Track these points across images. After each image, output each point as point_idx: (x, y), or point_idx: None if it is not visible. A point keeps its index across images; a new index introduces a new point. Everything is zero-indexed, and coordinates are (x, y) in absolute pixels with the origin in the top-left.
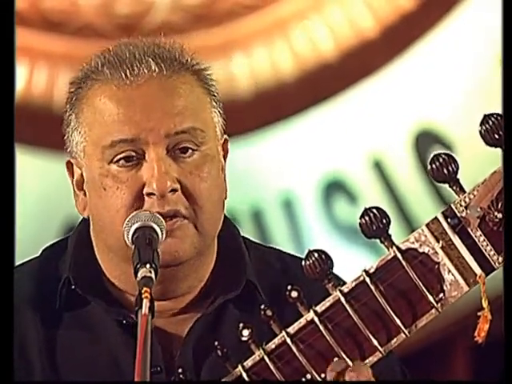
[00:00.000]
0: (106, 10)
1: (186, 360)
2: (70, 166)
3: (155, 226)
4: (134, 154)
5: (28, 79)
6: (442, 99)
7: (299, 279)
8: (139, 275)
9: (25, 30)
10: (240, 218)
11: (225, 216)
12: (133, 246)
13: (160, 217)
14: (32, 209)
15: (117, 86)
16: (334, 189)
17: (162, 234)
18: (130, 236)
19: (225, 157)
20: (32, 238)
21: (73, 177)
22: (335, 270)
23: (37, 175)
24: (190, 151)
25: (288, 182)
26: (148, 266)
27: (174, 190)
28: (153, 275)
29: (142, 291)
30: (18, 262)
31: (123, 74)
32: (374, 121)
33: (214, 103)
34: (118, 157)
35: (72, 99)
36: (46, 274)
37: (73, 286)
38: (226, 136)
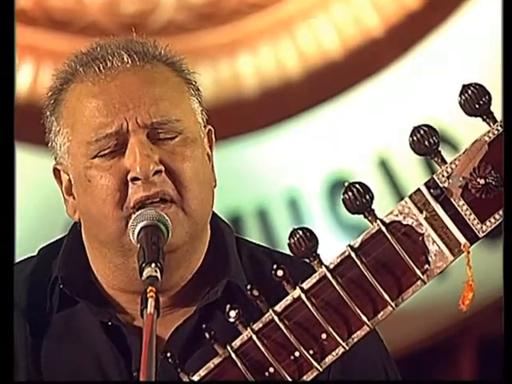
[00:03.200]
0: (111, 8)
1: (166, 366)
2: (57, 173)
3: (161, 225)
4: (115, 145)
5: (33, 78)
6: (448, 98)
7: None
8: (145, 274)
9: (30, 29)
10: (245, 216)
11: (217, 215)
12: (138, 245)
13: (165, 215)
14: (36, 208)
15: (92, 82)
16: (340, 187)
17: (168, 232)
18: (135, 235)
19: (211, 147)
20: (35, 237)
21: (61, 183)
22: (331, 260)
23: (41, 174)
24: (169, 136)
25: (293, 181)
26: (153, 265)
27: (158, 172)
28: (158, 274)
29: (148, 290)
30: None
31: (97, 69)
32: (379, 119)
33: (192, 91)
34: (102, 153)
35: (50, 105)
36: (38, 276)
37: (61, 286)
38: (209, 127)
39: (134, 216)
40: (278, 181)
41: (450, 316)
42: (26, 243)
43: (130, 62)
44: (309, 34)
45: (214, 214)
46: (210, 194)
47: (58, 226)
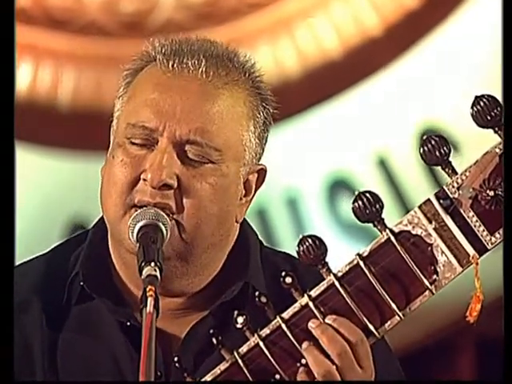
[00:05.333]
0: (110, 7)
1: (184, 363)
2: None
3: (160, 225)
4: (147, 141)
5: (32, 77)
6: (447, 97)
7: (307, 282)
8: (144, 273)
9: (29, 28)
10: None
11: (247, 222)
12: (137, 245)
13: (164, 215)
14: (35, 207)
15: (164, 72)
16: (339, 187)
17: (167, 232)
18: (134, 234)
19: (257, 187)
20: (35, 236)
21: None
22: (339, 268)
23: (41, 173)
24: (200, 159)
25: (293, 180)
26: (153, 264)
27: (167, 186)
28: (158, 273)
29: (147, 289)
30: (18, 262)
31: (172, 62)
32: (378, 119)
33: (253, 128)
34: (134, 141)
35: (132, 69)
36: (56, 269)
37: (81, 283)
38: (262, 166)
39: (133, 215)
40: (277, 180)
41: (450, 315)
42: (26, 243)
43: (204, 71)
44: (308, 34)
45: (244, 220)
46: (216, 227)
47: (58, 225)
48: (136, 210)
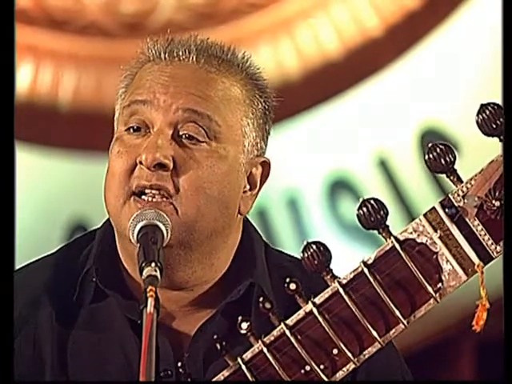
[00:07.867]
0: (110, 8)
1: (194, 363)
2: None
3: (160, 225)
4: (143, 123)
5: (33, 78)
6: (448, 98)
7: (316, 285)
8: (144, 274)
9: (29, 29)
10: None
11: (249, 222)
12: (138, 245)
13: (165, 215)
14: (35, 207)
15: (156, 62)
16: (339, 187)
17: (167, 232)
18: (135, 234)
19: (262, 180)
20: (35, 236)
21: None
22: (340, 269)
23: (41, 174)
24: (196, 140)
25: (293, 181)
26: (153, 264)
27: (162, 166)
28: (158, 274)
29: (148, 290)
30: (18, 262)
31: (164, 55)
32: (379, 119)
33: (251, 115)
34: (131, 125)
35: (131, 70)
36: (65, 266)
37: (94, 279)
38: (265, 158)
39: (133, 215)
40: (277, 181)
41: (450, 316)
42: (26, 243)
43: (195, 59)
44: (308, 34)
45: (247, 220)
46: (218, 212)
47: (58, 225)
48: (135, 198)
